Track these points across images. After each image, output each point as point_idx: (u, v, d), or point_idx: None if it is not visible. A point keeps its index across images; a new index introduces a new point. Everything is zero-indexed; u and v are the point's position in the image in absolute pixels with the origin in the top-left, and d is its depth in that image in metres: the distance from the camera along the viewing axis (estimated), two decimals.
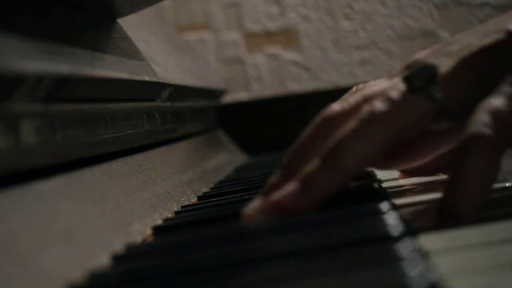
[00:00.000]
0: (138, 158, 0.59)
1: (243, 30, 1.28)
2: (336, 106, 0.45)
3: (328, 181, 0.42)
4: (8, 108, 0.36)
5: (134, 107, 0.60)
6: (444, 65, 0.44)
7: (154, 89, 0.66)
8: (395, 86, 0.43)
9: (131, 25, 0.68)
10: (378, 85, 0.45)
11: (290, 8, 1.27)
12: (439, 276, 0.29)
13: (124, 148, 0.57)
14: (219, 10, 1.28)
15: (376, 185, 0.49)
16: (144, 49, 0.67)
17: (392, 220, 0.37)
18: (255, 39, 1.28)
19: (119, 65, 0.56)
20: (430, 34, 1.24)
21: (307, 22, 1.27)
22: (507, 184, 0.48)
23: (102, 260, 0.39)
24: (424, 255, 0.32)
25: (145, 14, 0.77)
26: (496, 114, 0.39)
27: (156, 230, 0.49)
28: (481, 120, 0.39)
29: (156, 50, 0.76)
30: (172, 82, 0.71)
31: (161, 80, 0.67)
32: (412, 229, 0.38)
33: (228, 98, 1.19)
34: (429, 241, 0.35)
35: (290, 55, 1.27)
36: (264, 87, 1.27)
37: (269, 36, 1.27)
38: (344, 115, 0.44)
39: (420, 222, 0.40)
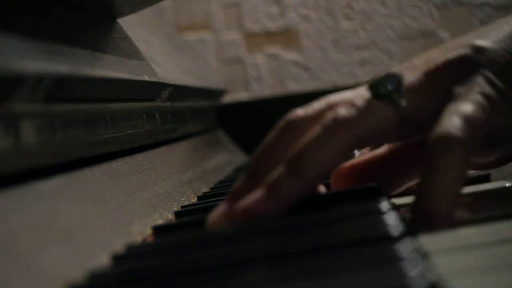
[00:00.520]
0: (138, 158, 0.59)
1: (243, 30, 1.28)
2: (300, 111, 0.45)
3: (293, 186, 0.42)
4: (8, 108, 0.36)
5: (134, 107, 0.60)
6: (410, 76, 0.44)
7: (154, 89, 0.66)
8: (360, 94, 0.44)
9: (131, 25, 0.68)
10: (344, 93, 0.45)
11: (290, 8, 1.27)
12: (439, 276, 0.29)
13: (124, 148, 0.57)
14: (219, 10, 1.28)
15: (376, 185, 0.48)
16: (144, 49, 0.67)
17: (392, 220, 0.37)
18: (255, 39, 1.28)
19: (119, 65, 0.56)
20: (430, 34, 1.24)
21: (307, 22, 1.27)
22: (507, 184, 0.48)
23: (102, 260, 0.39)
24: (424, 255, 0.32)
25: (145, 14, 0.77)
26: (466, 118, 0.39)
27: (156, 230, 0.49)
28: (451, 122, 0.39)
29: (156, 50, 0.76)
30: (172, 82, 0.71)
31: (161, 80, 0.67)
32: (411, 229, 0.38)
33: (228, 98, 1.19)
34: (429, 241, 0.35)
35: (290, 55, 1.27)
36: (264, 87, 1.27)
37: (269, 36, 1.28)
38: (307, 121, 0.44)
39: None
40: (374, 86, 0.43)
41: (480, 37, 0.44)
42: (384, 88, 0.43)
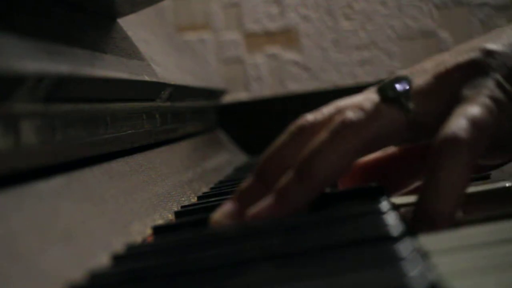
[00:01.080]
0: (138, 158, 0.59)
1: (243, 30, 1.28)
2: (309, 117, 0.45)
3: (302, 192, 0.42)
4: (8, 108, 0.36)
5: (134, 107, 0.60)
6: (420, 79, 0.44)
7: (154, 89, 0.66)
8: (368, 98, 0.44)
9: (131, 25, 0.68)
10: (353, 97, 0.45)
11: (290, 8, 1.27)
12: (439, 276, 0.29)
13: (124, 148, 0.57)
14: (219, 10, 1.28)
15: (376, 184, 0.48)
16: (144, 49, 0.67)
17: (392, 220, 0.37)
18: (255, 39, 1.28)
19: (119, 65, 0.56)
20: (430, 34, 1.24)
21: (307, 22, 1.27)
22: (507, 184, 0.48)
23: (102, 260, 0.39)
24: (424, 255, 0.32)
25: (145, 14, 0.77)
26: (473, 121, 0.39)
27: (156, 230, 0.49)
28: (457, 124, 0.39)
29: (156, 50, 0.76)
30: (172, 82, 0.71)
31: (161, 80, 0.67)
32: (411, 229, 0.38)
33: (228, 98, 1.19)
34: (429, 241, 0.35)
35: (290, 55, 1.27)
36: (264, 87, 1.27)
37: (269, 36, 1.28)
38: (317, 125, 0.44)
39: None
40: (383, 89, 0.43)
41: (491, 40, 0.44)
42: (392, 92, 0.43)
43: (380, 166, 0.50)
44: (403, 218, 0.40)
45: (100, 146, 0.51)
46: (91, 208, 0.44)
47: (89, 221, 0.42)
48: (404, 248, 0.32)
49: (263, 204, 0.43)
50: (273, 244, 0.37)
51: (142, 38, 0.71)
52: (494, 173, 0.52)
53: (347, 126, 0.42)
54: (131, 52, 0.62)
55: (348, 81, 1.25)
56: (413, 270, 0.29)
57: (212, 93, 1.02)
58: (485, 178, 0.51)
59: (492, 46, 0.43)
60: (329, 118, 0.44)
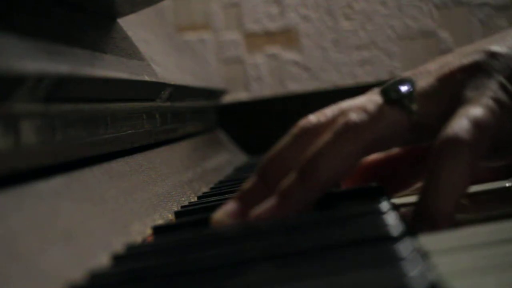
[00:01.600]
0: (138, 158, 0.59)
1: (243, 30, 1.28)
2: (312, 118, 0.45)
3: (305, 193, 0.42)
4: (8, 108, 0.36)
5: (134, 107, 0.60)
6: (423, 81, 0.44)
7: (154, 89, 0.66)
8: (371, 99, 0.44)
9: (131, 25, 0.68)
10: (356, 99, 0.45)
11: (290, 8, 1.27)
12: (439, 276, 0.29)
13: (124, 148, 0.57)
14: (219, 10, 1.28)
15: (376, 184, 0.49)
16: (144, 49, 0.67)
17: (392, 220, 0.37)
18: (255, 39, 1.28)
19: (119, 65, 0.56)
20: (430, 34, 1.24)
21: (307, 22, 1.27)
22: (507, 184, 0.48)
23: (102, 260, 0.39)
24: (424, 255, 0.32)
25: (145, 14, 0.77)
26: (475, 122, 0.40)
27: (156, 230, 0.49)
28: (459, 124, 0.40)
29: (156, 50, 0.76)
30: (172, 82, 0.71)
31: (161, 80, 0.67)
32: (411, 229, 0.38)
33: (228, 98, 1.19)
34: (429, 241, 0.35)
35: (290, 55, 1.27)
36: (264, 87, 1.27)
37: (269, 36, 1.28)
38: (320, 127, 0.44)
39: None
40: (386, 91, 0.44)
41: (495, 42, 0.44)
42: (396, 93, 0.43)
43: (382, 167, 0.50)
44: (403, 218, 0.40)
45: (100, 146, 0.51)
46: (91, 208, 0.44)
47: (89, 221, 0.42)
48: (404, 248, 0.32)
49: (266, 204, 0.43)
50: (273, 244, 0.37)
51: (142, 38, 0.71)
52: None
53: (350, 128, 0.42)
54: (131, 52, 0.62)
55: (348, 81, 1.25)
56: (413, 270, 0.29)
57: (212, 93, 1.02)
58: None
59: (496, 48, 0.43)
60: (332, 120, 0.44)
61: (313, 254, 0.34)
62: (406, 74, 0.46)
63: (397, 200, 0.48)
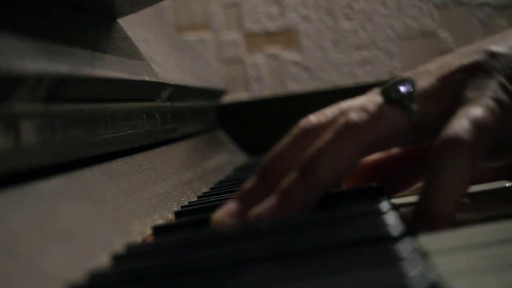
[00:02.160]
0: (138, 158, 0.59)
1: (243, 30, 1.28)
2: (313, 119, 0.45)
3: (305, 192, 0.42)
4: (8, 108, 0.36)
5: (134, 107, 0.60)
6: (423, 81, 0.44)
7: (154, 89, 0.66)
8: (372, 99, 0.44)
9: (131, 25, 0.68)
10: (357, 99, 0.45)
11: (290, 8, 1.27)
12: (439, 276, 0.29)
13: (124, 148, 0.57)
14: (219, 10, 1.28)
15: (376, 184, 0.49)
16: (144, 49, 0.67)
17: (392, 220, 0.37)
18: (255, 39, 1.28)
19: (119, 65, 0.56)
20: (430, 34, 1.24)
21: (307, 22, 1.27)
22: (507, 184, 0.48)
23: (102, 260, 0.39)
24: (424, 255, 0.32)
25: (145, 14, 0.77)
26: (475, 122, 0.40)
27: (156, 230, 0.49)
28: (459, 125, 0.40)
29: (156, 50, 0.76)
30: (172, 82, 0.71)
31: (161, 80, 0.67)
32: (411, 229, 0.38)
33: (228, 98, 1.19)
34: (429, 241, 0.35)
35: (290, 55, 1.27)
36: (264, 87, 1.27)
37: (269, 36, 1.28)
38: (320, 128, 0.44)
39: None
40: (387, 91, 0.44)
41: (495, 43, 0.44)
42: (396, 93, 0.43)
43: (383, 167, 0.50)
44: (403, 218, 0.40)
45: (100, 146, 0.51)
46: (91, 208, 0.44)
47: (89, 221, 0.42)
48: (404, 248, 0.32)
49: (266, 204, 0.43)
50: (273, 244, 0.37)
51: (142, 38, 0.71)
52: None
53: (350, 128, 0.42)
54: (131, 52, 0.62)
55: (348, 81, 1.25)
56: (413, 270, 0.29)
57: (212, 93, 1.02)
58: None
59: (497, 48, 0.43)
60: (333, 120, 0.44)
61: (313, 254, 0.34)
62: (407, 74, 0.46)
63: (397, 200, 0.48)
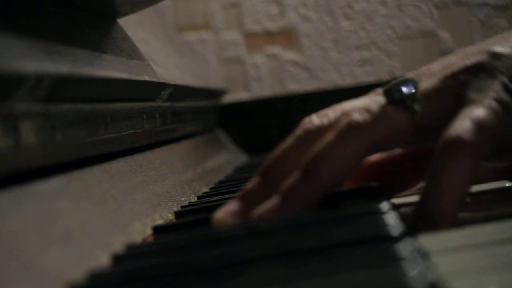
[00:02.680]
0: (138, 158, 0.59)
1: (243, 30, 1.28)
2: (316, 121, 0.45)
3: (308, 192, 0.42)
4: (8, 108, 0.36)
5: (134, 107, 0.60)
6: (426, 82, 0.44)
7: (154, 89, 0.66)
8: (375, 100, 0.44)
9: (131, 25, 0.68)
10: (359, 100, 0.45)
11: (290, 8, 1.27)
12: (439, 276, 0.29)
13: (124, 148, 0.57)
14: (219, 10, 1.28)
15: (376, 185, 0.49)
16: (144, 49, 0.67)
17: (392, 220, 0.37)
18: (255, 39, 1.28)
19: (119, 65, 0.56)
20: (430, 34, 1.24)
21: (307, 22, 1.27)
22: (507, 184, 0.48)
23: (102, 260, 0.39)
24: (424, 255, 0.32)
25: (145, 14, 0.77)
26: (477, 123, 0.40)
27: (156, 230, 0.49)
28: (462, 125, 0.40)
29: (156, 50, 0.76)
30: (172, 82, 0.71)
31: (161, 80, 0.67)
32: (412, 229, 0.38)
33: (228, 98, 1.19)
34: (429, 241, 0.35)
35: (290, 55, 1.27)
36: (264, 87, 1.27)
37: (269, 36, 1.27)
38: (323, 129, 0.44)
39: None
40: (389, 92, 0.44)
41: (498, 43, 0.44)
42: (399, 94, 0.43)
43: (385, 167, 0.50)
44: (403, 218, 0.40)
45: (100, 146, 0.51)
46: (91, 208, 0.44)
47: (89, 221, 0.42)
48: (404, 248, 0.32)
49: (268, 204, 0.43)
50: (272, 244, 0.37)
51: (142, 38, 0.71)
52: None
53: (353, 128, 0.42)
54: (131, 52, 0.62)
55: (348, 81, 1.25)
56: (413, 270, 0.29)
57: (212, 93, 1.02)
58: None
59: (500, 49, 0.43)
60: (335, 122, 0.44)
61: (313, 254, 0.34)
62: (409, 74, 0.46)
63: (397, 200, 0.48)
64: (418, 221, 0.39)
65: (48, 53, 0.41)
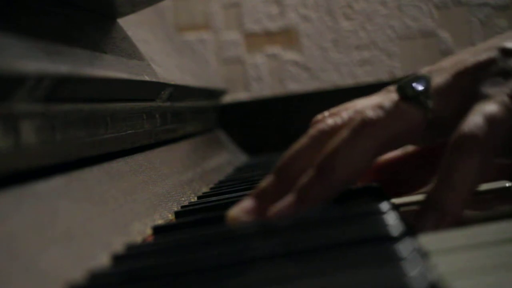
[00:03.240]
0: (138, 158, 0.59)
1: (243, 30, 1.28)
2: (329, 121, 0.45)
3: (322, 190, 0.43)
4: (8, 108, 0.36)
5: (134, 107, 0.60)
6: (438, 78, 0.44)
7: (154, 89, 0.66)
8: (387, 97, 0.44)
9: (131, 25, 0.68)
10: (371, 98, 0.46)
11: (290, 8, 1.27)
12: (439, 276, 0.29)
13: (124, 148, 0.57)
14: (219, 10, 1.28)
15: (376, 185, 0.49)
16: (144, 49, 0.67)
17: (392, 220, 0.37)
18: (255, 39, 1.28)
19: (119, 65, 0.56)
20: (430, 34, 1.24)
21: (307, 22, 1.27)
22: (507, 184, 0.48)
23: (102, 260, 0.39)
24: (424, 255, 0.32)
25: (145, 14, 0.77)
26: (490, 119, 0.40)
27: (156, 230, 0.49)
28: (474, 121, 0.40)
29: (156, 50, 0.76)
30: (172, 82, 0.71)
31: (161, 80, 0.67)
32: (412, 229, 0.38)
33: (228, 98, 1.19)
34: (429, 241, 0.35)
35: (290, 55, 1.27)
36: (264, 87, 1.27)
37: (269, 36, 1.27)
38: (337, 128, 0.45)
39: None
40: (402, 88, 0.44)
41: (509, 40, 0.44)
42: (412, 90, 0.44)
43: (398, 165, 0.50)
44: (403, 218, 0.40)
45: (100, 146, 0.51)
46: (91, 208, 0.44)
47: (89, 221, 0.42)
48: (404, 248, 0.32)
49: (284, 202, 0.43)
50: (273, 244, 0.37)
51: (142, 38, 0.71)
52: None
53: (367, 125, 0.43)
54: (131, 52, 0.62)
55: (348, 81, 1.25)
56: (413, 270, 0.29)
57: (212, 93, 1.02)
58: None
59: (511, 45, 0.43)
60: (349, 120, 0.44)
61: (313, 253, 0.34)
62: (422, 71, 0.46)
63: (397, 200, 0.48)
64: (425, 215, 0.39)
65: (48, 53, 0.41)
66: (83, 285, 0.35)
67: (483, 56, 0.44)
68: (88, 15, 0.57)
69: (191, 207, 0.58)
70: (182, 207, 0.59)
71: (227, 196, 0.60)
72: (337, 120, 0.45)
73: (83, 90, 0.47)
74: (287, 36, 1.27)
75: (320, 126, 0.46)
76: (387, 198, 0.46)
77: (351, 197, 0.46)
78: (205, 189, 0.70)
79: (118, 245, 0.42)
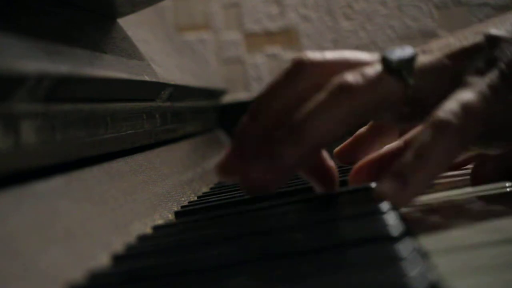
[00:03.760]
0: (138, 158, 0.59)
1: (243, 30, 1.28)
2: (311, 55, 0.44)
3: (294, 155, 0.42)
4: (8, 108, 0.36)
5: (134, 107, 0.60)
6: (425, 57, 0.44)
7: (154, 89, 0.66)
8: (372, 64, 0.44)
9: (131, 25, 0.68)
10: (361, 54, 0.45)
11: (290, 8, 1.27)
12: (439, 276, 0.29)
13: (124, 148, 0.57)
14: (219, 10, 1.28)
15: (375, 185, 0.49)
16: (144, 49, 0.67)
17: (392, 220, 0.37)
18: (255, 39, 1.28)
19: (119, 65, 0.56)
20: (430, 34, 1.24)
21: (307, 22, 1.27)
22: (507, 184, 0.48)
23: (102, 260, 0.39)
24: (424, 255, 0.32)
25: (145, 14, 0.77)
26: (466, 107, 0.40)
27: (156, 230, 0.49)
28: (449, 107, 0.40)
29: (156, 50, 0.76)
30: (172, 82, 0.71)
31: (161, 80, 0.67)
32: (412, 229, 0.38)
33: (228, 98, 1.19)
34: (429, 241, 0.35)
35: (290, 55, 1.27)
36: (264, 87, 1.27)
37: (269, 36, 1.28)
38: (316, 67, 0.44)
39: (420, 222, 0.40)
40: (387, 60, 0.43)
41: (495, 26, 0.44)
42: (396, 63, 0.43)
43: (388, 162, 0.50)
44: (403, 218, 0.40)
45: (100, 146, 0.51)
46: (91, 208, 0.44)
47: (89, 221, 0.42)
48: (404, 248, 0.32)
49: (257, 168, 0.42)
50: (272, 244, 0.37)
51: (142, 38, 0.71)
52: None
53: (344, 90, 0.42)
54: (131, 52, 0.62)
55: None
56: (413, 270, 0.29)
57: (212, 93, 1.02)
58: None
59: (496, 31, 0.43)
60: (330, 66, 0.44)
61: (313, 254, 0.34)
62: (412, 48, 0.46)
63: None
64: (387, 182, 0.39)
65: (48, 53, 0.41)
66: (83, 285, 0.35)
67: (469, 41, 0.44)
68: (88, 15, 0.57)
69: (191, 207, 0.58)
70: (182, 207, 0.59)
71: (227, 196, 0.60)
72: (319, 58, 0.44)
73: (83, 90, 0.47)
74: (287, 36, 1.27)
75: (299, 58, 0.44)
76: None
77: (351, 197, 0.46)
78: (205, 189, 0.70)
79: (118, 245, 0.42)
